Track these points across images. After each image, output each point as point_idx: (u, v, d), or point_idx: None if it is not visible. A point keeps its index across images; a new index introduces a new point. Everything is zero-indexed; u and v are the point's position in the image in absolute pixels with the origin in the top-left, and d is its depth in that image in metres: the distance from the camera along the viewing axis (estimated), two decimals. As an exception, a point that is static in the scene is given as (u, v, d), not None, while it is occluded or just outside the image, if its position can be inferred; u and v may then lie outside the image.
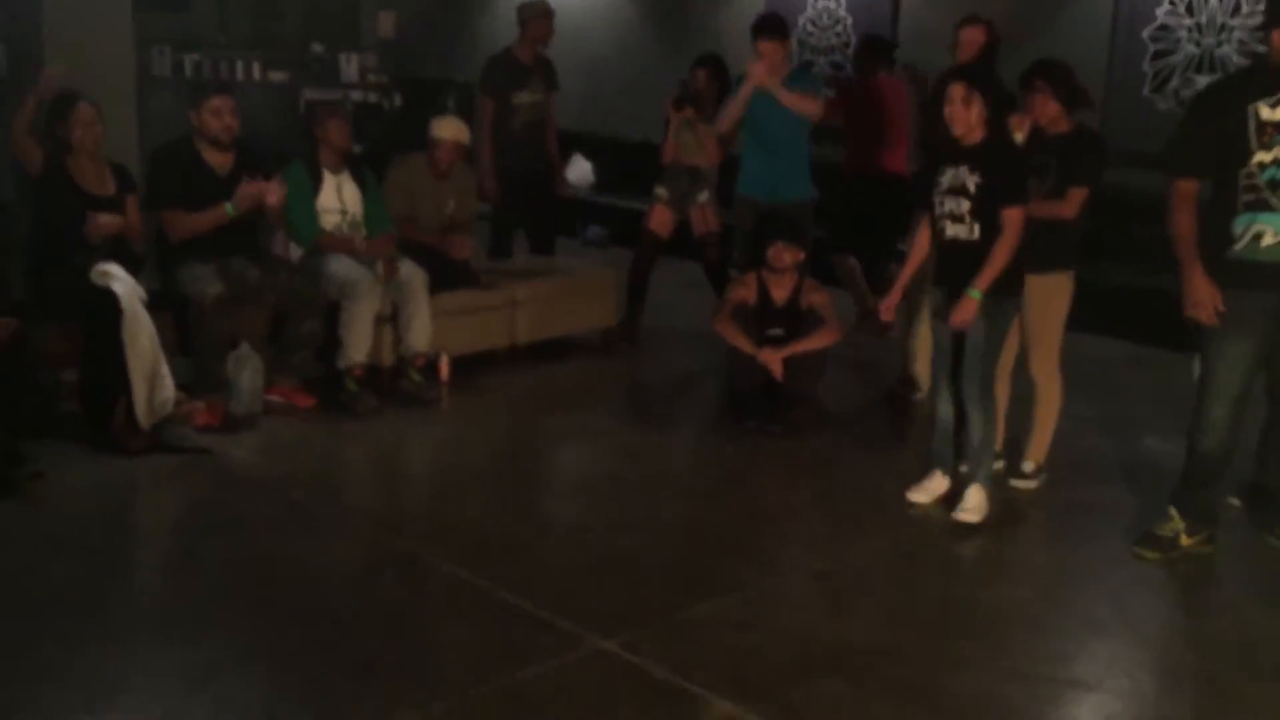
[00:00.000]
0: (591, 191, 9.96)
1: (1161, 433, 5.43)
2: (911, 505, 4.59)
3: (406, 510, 4.53)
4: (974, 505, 4.43)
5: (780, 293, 5.64)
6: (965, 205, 4.31)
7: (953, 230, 4.37)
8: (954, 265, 4.38)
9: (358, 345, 5.47)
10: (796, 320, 5.59)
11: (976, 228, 4.31)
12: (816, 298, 5.64)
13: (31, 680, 3.13)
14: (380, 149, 6.39)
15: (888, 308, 4.70)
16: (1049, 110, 4.58)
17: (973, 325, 4.32)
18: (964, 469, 4.55)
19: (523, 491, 4.83)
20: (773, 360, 5.42)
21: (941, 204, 4.39)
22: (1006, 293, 4.35)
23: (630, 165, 9.39)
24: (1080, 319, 4.84)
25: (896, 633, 3.66)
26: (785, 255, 5.60)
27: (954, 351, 4.49)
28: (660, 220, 6.81)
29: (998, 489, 4.63)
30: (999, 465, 4.87)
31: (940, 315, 4.48)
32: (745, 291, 5.68)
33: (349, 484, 4.68)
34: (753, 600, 3.83)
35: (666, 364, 6.67)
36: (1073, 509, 4.51)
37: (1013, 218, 4.26)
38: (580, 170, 9.91)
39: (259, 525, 4.21)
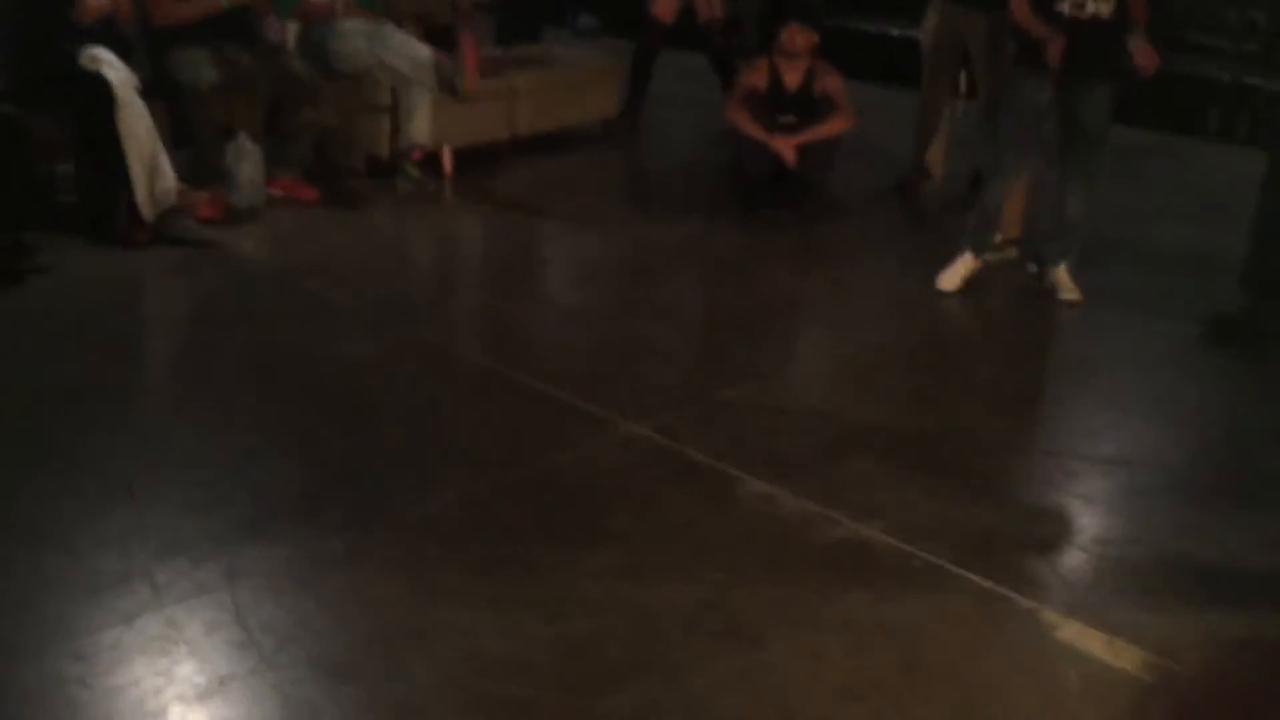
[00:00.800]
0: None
1: (1182, 218, 5.38)
2: (943, 292, 4.52)
3: (424, 300, 4.46)
4: (1072, 283, 4.48)
5: (793, 78, 5.46)
6: None
7: (1094, 8, 4.19)
8: (1087, 46, 4.19)
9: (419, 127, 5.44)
10: (810, 106, 5.43)
11: (1114, 5, 4.19)
12: (830, 83, 5.46)
13: (68, 468, 3.10)
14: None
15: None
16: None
17: (1096, 109, 4.29)
18: (1051, 250, 4.54)
19: (538, 281, 4.76)
20: (786, 147, 5.29)
21: None
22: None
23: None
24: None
25: (925, 414, 3.66)
26: (799, 38, 5.39)
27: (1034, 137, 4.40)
28: (664, 5, 6.54)
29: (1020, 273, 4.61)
30: (1016, 252, 4.85)
31: (1040, 101, 4.31)
32: (757, 77, 5.50)
33: (362, 275, 4.58)
34: (780, 384, 3.82)
35: (672, 154, 6.53)
36: (1098, 293, 4.48)
37: None
38: (570, -45, 9.48)
39: (275, 316, 4.14)
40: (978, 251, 4.57)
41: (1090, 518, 3.18)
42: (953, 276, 4.56)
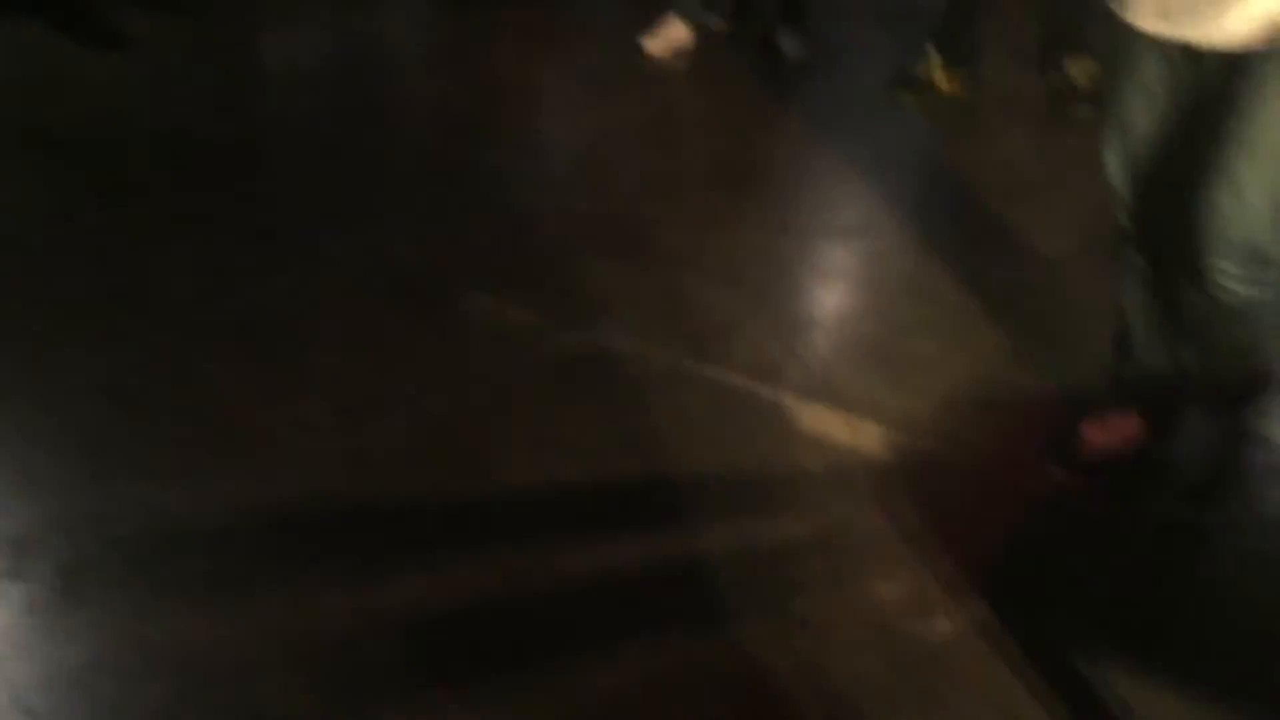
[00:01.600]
0: None
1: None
2: (647, 56, 4.25)
3: (95, 126, 3.90)
4: (796, 43, 4.29)
5: None
6: None
7: None
8: None
9: None
10: None
11: None
12: None
13: None
14: None
15: None
16: None
17: None
18: (770, 12, 4.33)
19: (234, 91, 4.22)
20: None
21: None
22: None
23: None
24: None
25: (657, 200, 3.45)
26: None
27: None
28: None
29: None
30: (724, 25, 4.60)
31: None
32: None
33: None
34: (501, 184, 3.52)
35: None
36: (827, 52, 4.31)
37: None
38: None
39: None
40: (686, 17, 4.29)
41: (829, 294, 3.09)
42: (660, 41, 4.27)
